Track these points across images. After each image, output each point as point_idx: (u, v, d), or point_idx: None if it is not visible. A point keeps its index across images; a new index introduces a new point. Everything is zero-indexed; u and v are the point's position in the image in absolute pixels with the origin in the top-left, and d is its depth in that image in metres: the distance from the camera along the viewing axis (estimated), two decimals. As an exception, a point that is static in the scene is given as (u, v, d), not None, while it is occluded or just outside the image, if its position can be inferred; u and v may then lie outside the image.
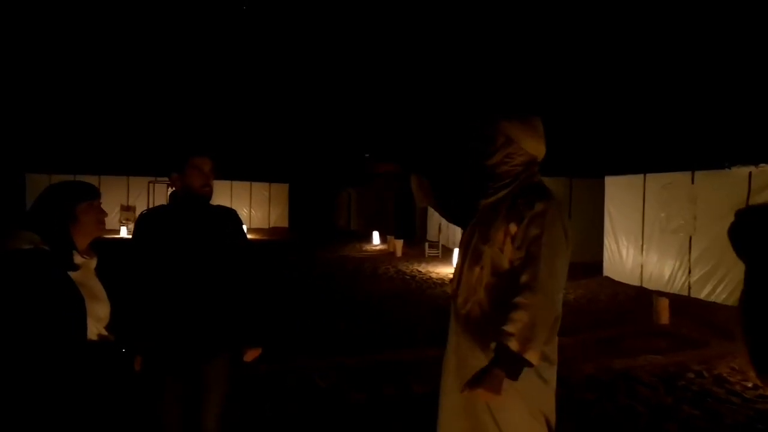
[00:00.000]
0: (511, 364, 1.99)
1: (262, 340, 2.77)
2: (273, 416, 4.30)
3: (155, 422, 2.73)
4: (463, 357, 2.29)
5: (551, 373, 2.23)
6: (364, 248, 18.35)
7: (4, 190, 19.69)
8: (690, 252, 9.35)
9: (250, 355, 2.75)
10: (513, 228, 2.18)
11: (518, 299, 2.05)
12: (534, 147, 2.36)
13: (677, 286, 9.54)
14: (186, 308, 2.60)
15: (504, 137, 2.32)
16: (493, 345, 2.07)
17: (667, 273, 9.82)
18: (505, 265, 2.20)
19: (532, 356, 2.00)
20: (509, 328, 2.01)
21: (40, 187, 2.35)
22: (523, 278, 2.08)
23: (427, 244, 16.17)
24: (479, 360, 2.17)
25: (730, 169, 8.72)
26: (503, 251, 2.20)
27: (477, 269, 2.26)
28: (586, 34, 15.42)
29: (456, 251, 13.04)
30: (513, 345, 1.98)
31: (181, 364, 2.65)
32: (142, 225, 2.73)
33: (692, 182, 9.37)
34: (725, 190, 8.24)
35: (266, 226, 25.48)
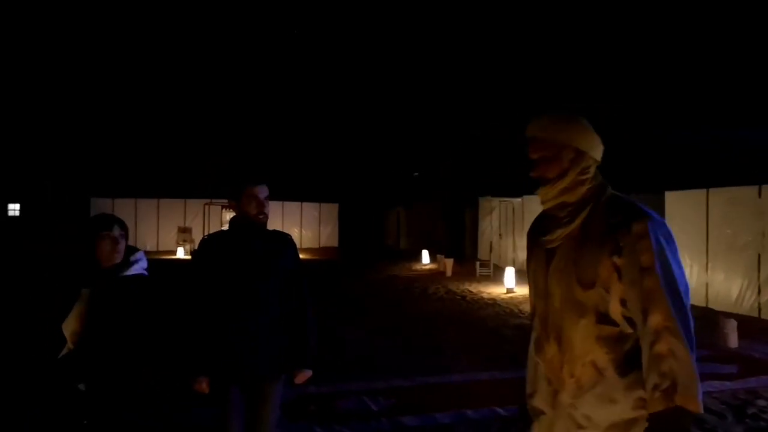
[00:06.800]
0: (677, 424, 1.64)
1: (313, 363, 2.79)
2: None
3: None
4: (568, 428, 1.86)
5: None
6: (413, 267, 18.28)
7: (72, 213, 20.80)
8: (759, 270, 8.87)
9: (301, 378, 2.78)
10: (617, 260, 1.76)
11: (659, 348, 1.67)
12: (599, 150, 1.91)
13: (746, 307, 9.05)
14: (246, 330, 2.64)
15: (572, 151, 1.86)
16: (632, 413, 1.74)
17: (734, 293, 9.33)
18: (616, 307, 1.78)
19: (697, 405, 1.64)
20: (664, 384, 1.64)
21: (104, 210, 2.55)
22: (654, 320, 1.68)
23: (478, 263, 15.94)
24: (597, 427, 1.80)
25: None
26: (610, 291, 1.77)
27: (582, 323, 1.81)
28: (654, 40, 14.99)
29: (509, 271, 12.79)
30: (678, 401, 1.62)
31: (243, 385, 2.68)
32: (202, 249, 2.79)
33: (759, 196, 8.92)
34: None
35: (316, 246, 25.82)
